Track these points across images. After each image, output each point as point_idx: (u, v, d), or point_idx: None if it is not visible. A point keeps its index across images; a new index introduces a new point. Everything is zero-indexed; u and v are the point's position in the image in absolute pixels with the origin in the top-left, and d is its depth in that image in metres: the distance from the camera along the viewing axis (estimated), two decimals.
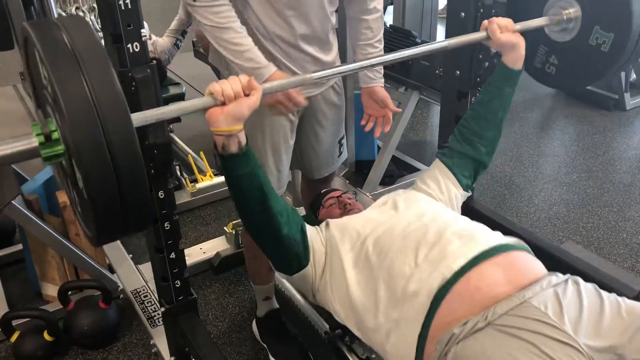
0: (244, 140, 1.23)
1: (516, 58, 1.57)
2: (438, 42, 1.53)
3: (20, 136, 0.91)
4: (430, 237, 1.35)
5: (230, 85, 1.17)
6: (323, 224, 1.54)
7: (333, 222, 1.53)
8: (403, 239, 1.38)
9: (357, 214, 1.59)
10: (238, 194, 1.31)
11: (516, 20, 1.58)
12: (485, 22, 1.55)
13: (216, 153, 1.24)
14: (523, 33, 1.58)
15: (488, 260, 1.28)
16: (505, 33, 1.53)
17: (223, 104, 1.17)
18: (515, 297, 1.18)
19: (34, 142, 0.91)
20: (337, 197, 1.78)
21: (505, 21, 1.55)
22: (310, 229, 1.48)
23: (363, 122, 1.92)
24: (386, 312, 1.31)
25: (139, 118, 1.06)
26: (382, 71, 1.86)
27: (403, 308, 1.28)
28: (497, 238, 1.39)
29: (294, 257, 1.42)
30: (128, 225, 0.98)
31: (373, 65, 1.56)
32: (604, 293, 1.21)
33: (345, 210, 1.71)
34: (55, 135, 0.92)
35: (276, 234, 1.36)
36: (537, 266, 1.33)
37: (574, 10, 1.64)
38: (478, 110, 1.64)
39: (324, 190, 1.89)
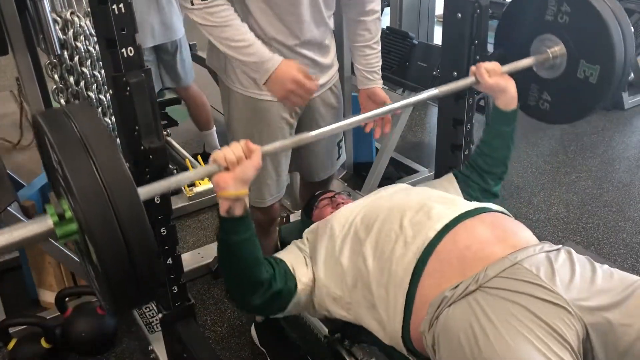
0: (247, 204, 1.26)
1: (508, 100, 1.61)
2: (428, 90, 1.57)
3: (36, 219, 0.98)
4: (414, 205, 1.38)
5: (232, 150, 1.22)
6: (307, 231, 1.55)
7: (319, 222, 1.55)
8: (388, 209, 1.40)
9: (344, 206, 1.59)
10: (233, 260, 1.31)
11: (504, 63, 1.64)
12: (473, 67, 1.60)
13: (218, 216, 1.26)
14: (512, 74, 1.62)
15: (473, 218, 1.31)
16: (494, 77, 1.57)
17: (226, 169, 1.21)
18: (507, 259, 1.18)
19: (49, 222, 0.97)
20: (330, 197, 1.78)
21: (492, 65, 1.60)
22: (290, 255, 1.48)
23: (362, 124, 1.91)
24: (376, 279, 1.31)
25: (146, 192, 1.11)
26: (380, 73, 1.86)
27: (390, 271, 1.29)
28: (480, 203, 1.43)
29: (281, 300, 1.41)
30: (142, 294, 1.03)
31: (377, 115, 1.58)
32: (596, 263, 1.22)
33: (337, 209, 1.70)
34: (68, 214, 0.97)
35: (253, 302, 1.35)
36: (527, 233, 1.34)
37: (558, 48, 1.70)
38: (482, 149, 1.68)
39: (317, 192, 1.88)
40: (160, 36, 2.74)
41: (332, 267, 1.41)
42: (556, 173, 3.37)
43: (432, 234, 1.28)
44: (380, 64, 1.86)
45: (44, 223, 0.97)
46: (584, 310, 1.09)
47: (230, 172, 1.21)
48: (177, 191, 3.04)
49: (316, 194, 1.86)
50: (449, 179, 1.69)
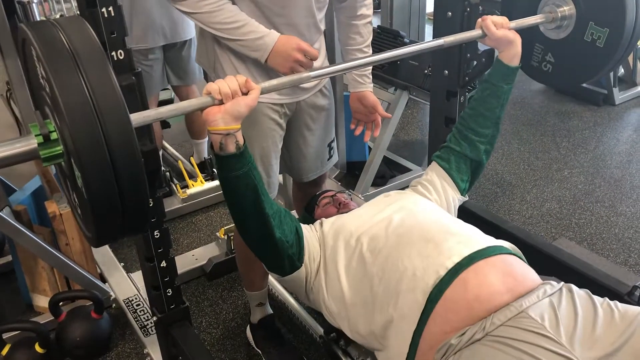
0: (241, 140, 1.22)
1: (513, 54, 1.57)
2: (434, 40, 1.53)
3: (19, 137, 0.91)
4: (424, 234, 1.35)
5: (227, 83, 1.18)
6: (317, 223, 1.53)
7: (327, 221, 1.53)
8: (397, 236, 1.37)
9: (351, 212, 1.58)
10: (232, 195, 1.30)
11: (511, 18, 1.59)
12: (480, 20, 1.56)
13: (212, 153, 1.24)
14: (518, 31, 1.58)
15: (484, 260, 1.27)
16: (501, 29, 1.54)
17: (221, 102, 1.18)
18: (513, 306, 1.17)
19: (33, 142, 0.91)
20: (332, 196, 1.77)
21: (500, 19, 1.56)
22: (305, 228, 1.47)
23: (352, 127, 1.91)
24: (381, 308, 1.30)
25: (138, 118, 1.06)
26: (371, 76, 1.86)
27: (397, 304, 1.27)
28: (492, 240, 1.38)
29: (288, 259, 1.40)
30: (127, 226, 0.98)
31: (370, 64, 1.55)
32: (597, 299, 1.20)
33: (340, 208, 1.70)
34: (54, 135, 0.92)
35: (269, 237, 1.35)
36: (532, 274, 1.31)
37: (568, 8, 1.65)
38: (475, 108, 1.63)
39: (319, 192, 1.88)
40: (171, 35, 2.73)
41: (333, 285, 1.40)
42: (548, 169, 3.39)
43: (442, 272, 1.24)
44: (370, 67, 1.86)
45: (28, 142, 0.91)
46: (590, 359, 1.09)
47: (222, 106, 1.18)
48: (170, 193, 3.03)
49: (317, 193, 1.85)
50: (437, 169, 1.65)
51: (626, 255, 2.60)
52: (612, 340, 1.11)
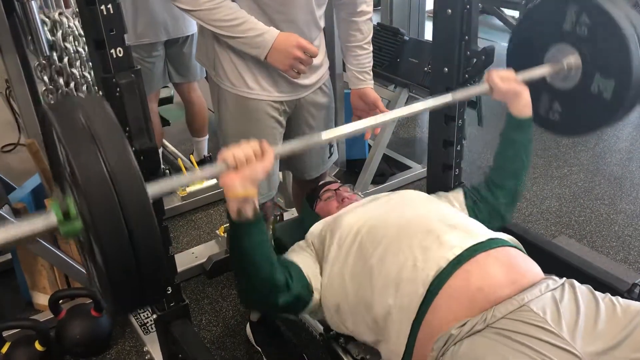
0: (257, 206, 1.23)
1: (522, 106, 1.58)
2: (442, 96, 1.53)
3: (39, 214, 0.94)
4: (425, 225, 1.35)
5: (241, 150, 1.18)
6: (313, 231, 1.53)
7: (323, 223, 1.52)
8: (397, 227, 1.37)
9: (349, 208, 1.58)
10: (247, 264, 1.28)
11: (517, 68, 1.59)
12: (486, 74, 1.57)
13: (229, 220, 1.24)
14: (525, 82, 1.58)
15: (486, 252, 1.27)
16: (507, 82, 1.55)
17: (235, 169, 1.17)
18: (515, 299, 1.17)
19: (53, 220, 0.94)
20: (335, 189, 1.76)
21: (507, 72, 1.57)
22: (302, 258, 1.46)
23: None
24: (380, 299, 1.29)
25: (154, 190, 1.07)
26: (372, 73, 1.86)
27: (397, 294, 1.26)
28: (493, 233, 1.38)
29: (300, 304, 1.40)
30: (145, 297, 1.00)
31: (381, 123, 1.53)
32: (599, 295, 1.20)
33: (342, 203, 1.69)
34: (73, 212, 0.94)
35: (276, 303, 1.34)
36: (534, 268, 1.31)
37: (574, 59, 1.63)
38: (495, 160, 1.65)
39: (321, 182, 1.87)
40: (174, 30, 2.73)
41: (335, 278, 1.40)
42: (548, 167, 3.38)
43: (443, 263, 1.24)
44: (371, 64, 1.86)
45: (49, 220, 0.94)
46: (591, 354, 1.08)
47: (239, 172, 1.17)
48: (169, 192, 3.02)
49: (319, 184, 1.84)
50: (456, 193, 1.66)
51: (626, 252, 2.60)
52: (614, 334, 1.11)
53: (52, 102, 2.22)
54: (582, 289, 1.22)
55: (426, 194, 1.59)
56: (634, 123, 3.92)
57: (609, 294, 1.21)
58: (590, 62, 1.60)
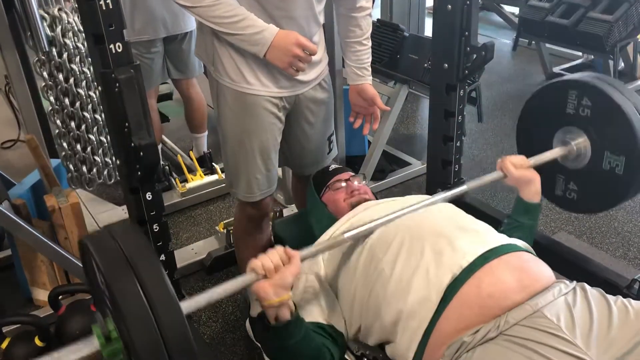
0: (293, 306, 1.24)
1: (533, 192, 1.61)
2: (459, 188, 1.54)
3: (84, 341, 1.00)
4: (435, 228, 1.35)
5: (269, 258, 1.20)
6: (325, 265, 1.49)
7: (334, 254, 1.48)
8: (407, 228, 1.36)
9: (358, 210, 1.56)
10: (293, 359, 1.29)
11: (526, 152, 1.64)
12: (500, 161, 1.60)
13: (268, 326, 1.24)
14: (537, 166, 1.61)
15: (498, 259, 1.26)
16: (520, 170, 1.58)
17: (264, 277, 1.19)
18: (528, 305, 1.16)
19: (96, 344, 0.99)
20: (345, 180, 1.73)
21: (519, 159, 1.60)
22: (330, 311, 1.43)
23: (351, 119, 1.91)
24: (390, 304, 1.29)
25: (189, 306, 1.11)
26: (370, 69, 1.86)
27: (407, 300, 1.26)
28: (505, 238, 1.38)
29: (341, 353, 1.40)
30: None
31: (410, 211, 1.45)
32: (611, 298, 1.20)
33: (352, 197, 1.67)
34: (114, 335, 0.99)
35: None
36: (546, 271, 1.31)
37: (582, 140, 1.68)
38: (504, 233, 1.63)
39: (333, 167, 1.85)
40: (172, 27, 2.72)
41: (346, 284, 1.40)
42: None
43: (457, 271, 1.24)
44: (370, 60, 1.86)
45: (92, 345, 0.99)
46: None
47: (270, 280, 1.19)
48: (169, 187, 3.03)
49: (330, 169, 1.82)
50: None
51: (625, 248, 2.60)
52: (628, 339, 1.10)
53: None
54: (594, 293, 1.21)
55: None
56: None
57: (620, 297, 1.20)
58: (598, 141, 1.65)
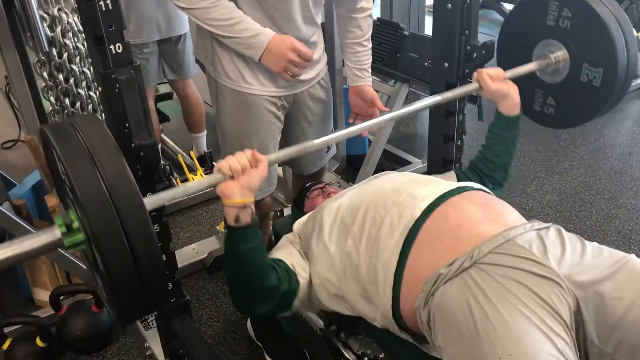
0: (254, 212, 1.27)
1: (511, 105, 1.62)
2: (431, 97, 1.56)
3: (44, 230, 1.00)
4: (398, 187, 1.39)
5: (237, 160, 1.23)
6: (296, 227, 1.56)
7: (306, 217, 1.56)
8: (372, 193, 1.42)
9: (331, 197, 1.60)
10: (244, 268, 1.31)
11: (507, 67, 1.63)
12: (476, 73, 1.60)
13: (226, 226, 1.27)
14: (516, 79, 1.62)
15: (459, 196, 1.32)
16: (496, 82, 1.58)
17: (232, 178, 1.22)
18: (500, 236, 1.20)
19: (57, 233, 0.99)
20: (321, 188, 1.79)
21: (495, 70, 1.60)
22: (288, 254, 1.48)
23: (351, 120, 1.91)
24: (365, 263, 1.33)
25: (152, 201, 1.14)
26: (370, 70, 1.85)
27: (378, 253, 1.30)
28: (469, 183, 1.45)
29: (288, 299, 1.41)
30: (148, 304, 1.05)
31: (379, 124, 1.58)
32: (586, 241, 1.24)
33: (329, 198, 1.69)
34: (76, 224, 0.99)
35: (269, 304, 1.37)
36: (515, 213, 1.35)
37: (561, 53, 1.70)
38: (484, 154, 1.69)
39: (308, 184, 1.88)
40: (166, 30, 2.72)
41: (322, 257, 1.42)
42: (549, 161, 3.38)
43: (417, 213, 1.29)
44: (370, 61, 1.86)
45: (53, 233, 0.99)
46: (576, 284, 1.11)
47: (236, 181, 1.22)
48: (170, 187, 3.01)
49: (307, 185, 1.86)
50: (450, 175, 1.71)
51: (626, 247, 2.60)
52: (601, 270, 1.13)
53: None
54: (569, 234, 1.25)
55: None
56: (634, 117, 3.91)
57: (596, 242, 1.24)
58: (577, 53, 1.66)
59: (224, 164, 1.23)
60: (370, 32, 1.83)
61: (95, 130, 1.00)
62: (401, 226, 1.29)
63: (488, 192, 1.45)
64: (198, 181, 1.23)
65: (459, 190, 1.36)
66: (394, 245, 1.28)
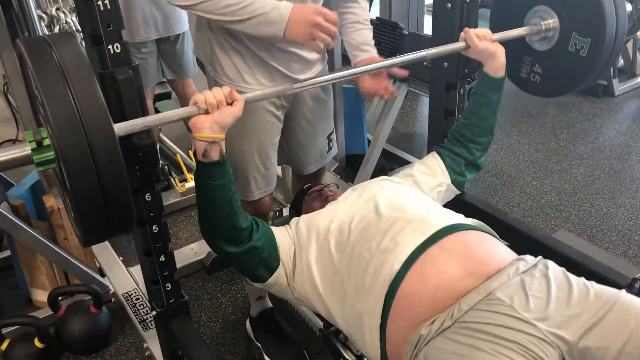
0: (224, 150, 1.27)
1: (497, 67, 1.61)
2: (416, 52, 1.57)
3: (15, 144, 1.03)
4: (383, 226, 1.36)
5: (213, 94, 1.23)
6: (293, 221, 1.54)
7: (303, 218, 1.53)
8: (360, 231, 1.39)
9: (324, 208, 1.57)
10: (208, 205, 1.32)
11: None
12: (463, 32, 1.59)
13: (195, 160, 1.29)
14: (505, 43, 1.63)
15: (437, 246, 1.27)
16: (484, 42, 1.57)
17: (206, 112, 1.24)
18: (481, 288, 1.18)
19: (27, 148, 1.00)
20: (319, 190, 1.77)
21: (483, 31, 1.60)
22: (278, 230, 1.49)
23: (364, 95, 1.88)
24: (351, 304, 1.33)
25: (124, 127, 1.15)
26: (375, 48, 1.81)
27: (364, 301, 1.29)
28: (452, 218, 1.38)
29: (263, 263, 1.41)
30: (113, 227, 1.07)
31: (358, 74, 1.57)
32: (573, 278, 1.20)
33: (326, 201, 1.68)
34: (47, 142, 1.00)
35: (239, 248, 1.37)
36: (500, 251, 1.31)
37: (552, 21, 1.71)
38: (469, 118, 1.69)
39: (306, 185, 1.87)
40: (164, 29, 2.71)
41: (308, 278, 1.42)
42: (548, 161, 3.38)
43: (397, 266, 1.26)
44: (372, 39, 1.80)
45: (23, 149, 1.01)
46: (560, 338, 1.09)
47: (209, 115, 1.23)
48: (168, 187, 3.02)
49: (304, 187, 1.85)
50: (433, 157, 1.70)
51: (626, 247, 2.60)
52: (586, 319, 1.10)
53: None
54: (557, 271, 1.22)
55: (398, 185, 1.60)
56: (633, 116, 3.91)
57: (583, 278, 1.21)
58: (567, 22, 1.68)
59: (200, 97, 1.23)
60: (369, 16, 1.81)
61: (69, 50, 1.01)
62: (382, 280, 1.26)
63: (477, 229, 1.38)
64: (173, 111, 1.26)
65: (440, 235, 1.29)
66: (376, 298, 1.26)
